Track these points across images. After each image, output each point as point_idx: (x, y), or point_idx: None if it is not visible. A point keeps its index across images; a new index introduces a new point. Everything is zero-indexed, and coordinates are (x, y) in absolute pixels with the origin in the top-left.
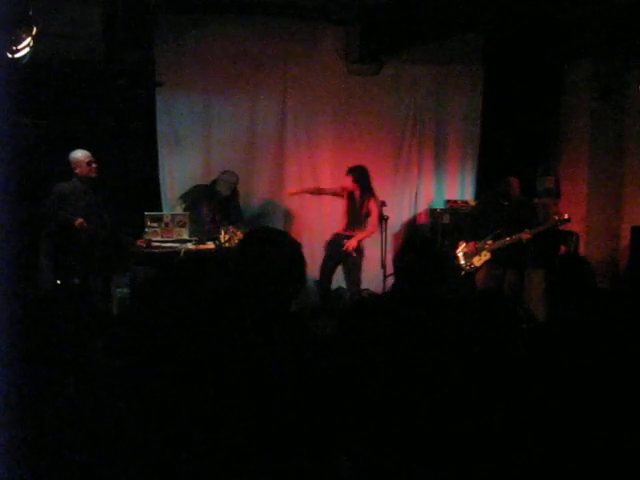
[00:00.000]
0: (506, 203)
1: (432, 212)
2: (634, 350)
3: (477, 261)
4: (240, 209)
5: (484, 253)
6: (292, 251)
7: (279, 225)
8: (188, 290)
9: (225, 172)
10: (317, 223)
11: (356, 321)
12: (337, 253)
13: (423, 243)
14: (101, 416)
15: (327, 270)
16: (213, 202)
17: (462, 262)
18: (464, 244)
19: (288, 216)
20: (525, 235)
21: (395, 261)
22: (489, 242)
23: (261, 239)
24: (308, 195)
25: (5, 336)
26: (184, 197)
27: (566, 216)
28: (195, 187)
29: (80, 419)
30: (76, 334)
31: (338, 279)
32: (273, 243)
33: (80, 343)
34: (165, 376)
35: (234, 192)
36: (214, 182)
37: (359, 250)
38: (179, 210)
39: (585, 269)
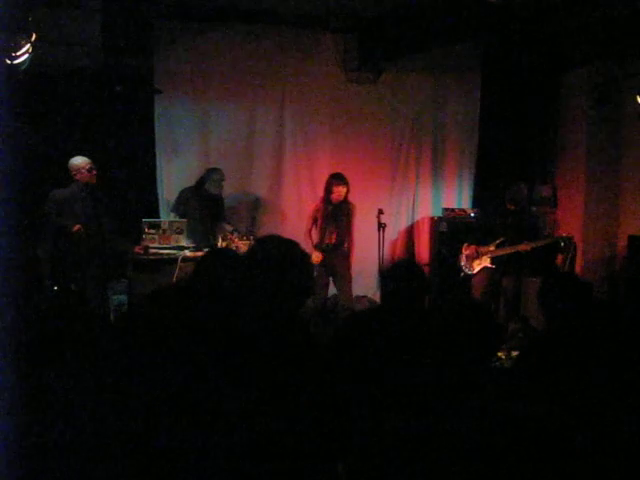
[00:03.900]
0: (513, 208)
1: (430, 220)
2: (632, 358)
3: (477, 265)
4: (224, 207)
5: (484, 258)
6: (301, 261)
7: (277, 231)
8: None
9: (212, 170)
10: None
11: (351, 335)
12: (325, 268)
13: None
14: (98, 422)
15: (321, 287)
16: (202, 202)
17: (463, 264)
18: (467, 246)
19: (286, 222)
20: (523, 247)
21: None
22: (491, 248)
23: (272, 248)
24: (306, 203)
25: (6, 340)
26: (176, 205)
27: (569, 234)
28: (182, 191)
29: (77, 425)
30: (74, 339)
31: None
32: (283, 252)
33: (77, 348)
34: (168, 381)
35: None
36: (201, 182)
37: (348, 264)
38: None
39: (579, 283)
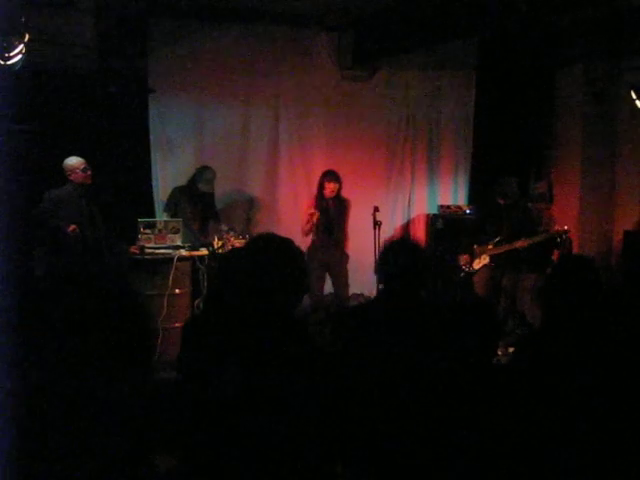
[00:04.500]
0: (503, 203)
1: (425, 217)
2: (628, 352)
3: (476, 264)
4: (215, 206)
5: (483, 257)
6: (297, 259)
7: (272, 229)
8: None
9: (203, 168)
10: None
11: (347, 329)
12: (321, 264)
13: (405, 245)
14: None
15: (317, 282)
16: (194, 201)
17: (463, 264)
18: (462, 255)
19: (281, 220)
20: (521, 243)
21: (379, 265)
22: (489, 247)
23: (267, 246)
24: (301, 201)
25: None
26: (168, 205)
27: (566, 227)
28: (173, 190)
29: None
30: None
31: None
32: (279, 250)
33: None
34: (169, 383)
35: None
36: (193, 182)
37: (344, 261)
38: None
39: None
